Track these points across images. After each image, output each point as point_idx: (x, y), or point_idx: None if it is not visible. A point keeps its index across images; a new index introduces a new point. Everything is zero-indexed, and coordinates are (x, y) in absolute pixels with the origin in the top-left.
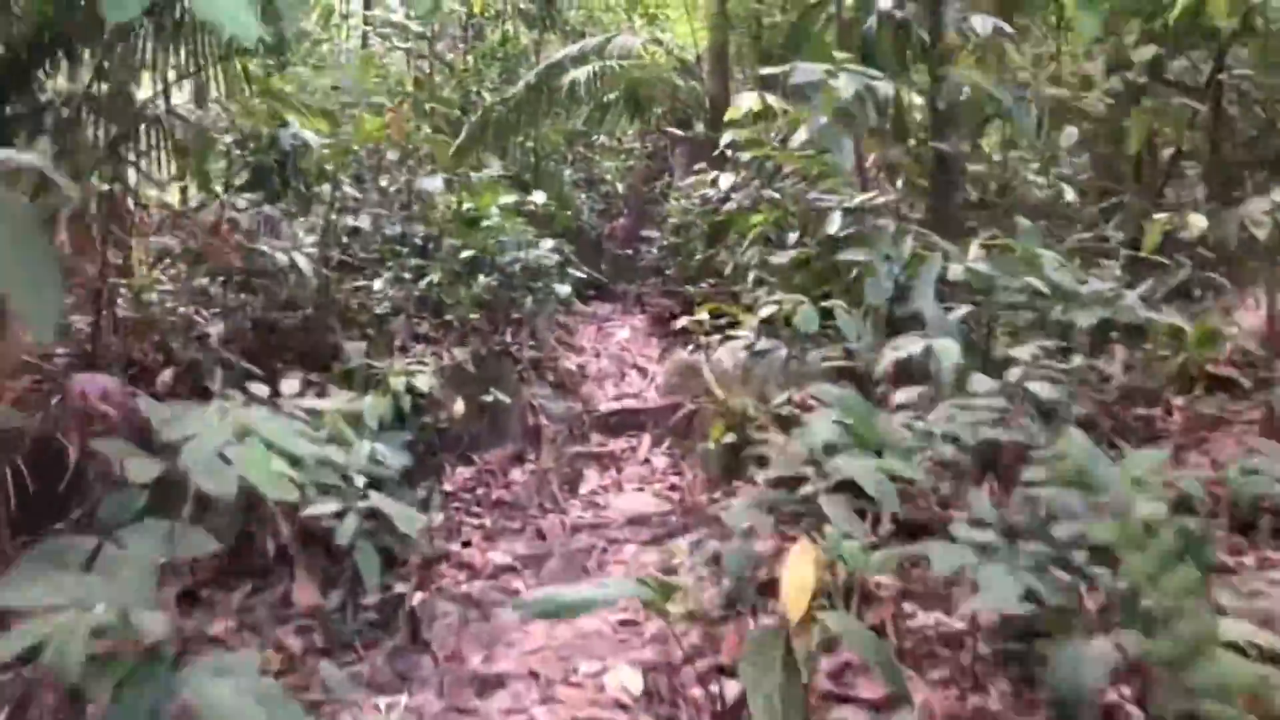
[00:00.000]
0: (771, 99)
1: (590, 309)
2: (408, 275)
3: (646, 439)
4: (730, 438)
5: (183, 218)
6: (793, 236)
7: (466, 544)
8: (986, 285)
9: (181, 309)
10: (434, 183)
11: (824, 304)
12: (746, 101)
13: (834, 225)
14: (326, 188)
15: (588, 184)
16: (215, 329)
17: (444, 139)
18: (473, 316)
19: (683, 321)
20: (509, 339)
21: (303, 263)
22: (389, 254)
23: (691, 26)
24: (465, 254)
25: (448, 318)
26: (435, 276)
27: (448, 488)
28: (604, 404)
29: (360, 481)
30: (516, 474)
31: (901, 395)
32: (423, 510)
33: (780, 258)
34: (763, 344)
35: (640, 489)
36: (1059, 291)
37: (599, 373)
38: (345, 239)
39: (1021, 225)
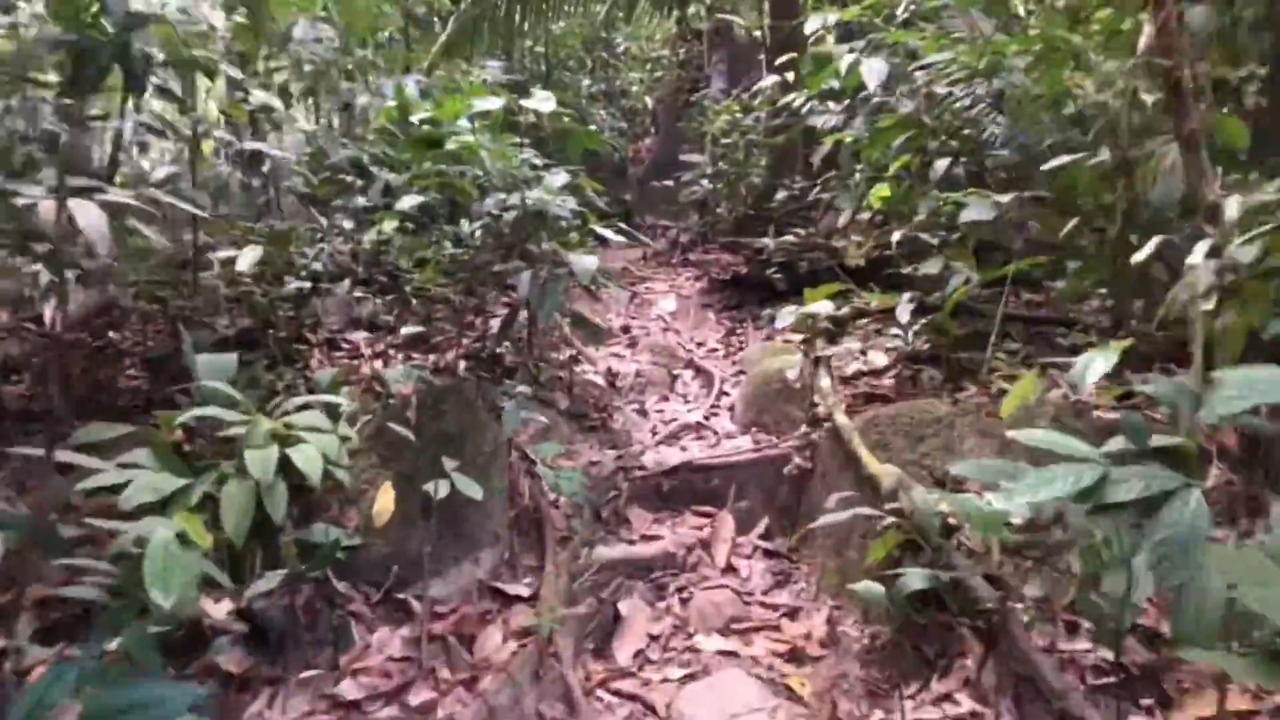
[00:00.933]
0: None
1: (614, 259)
2: (349, 225)
3: (727, 522)
4: (919, 580)
5: None
6: (940, 165)
7: None
8: None
9: None
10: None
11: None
12: None
13: None
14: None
15: (607, 97)
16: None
17: None
18: (438, 295)
19: (786, 317)
20: (491, 334)
21: (92, 220)
22: (328, 193)
23: None
24: (411, 200)
25: (408, 288)
26: (385, 229)
27: (348, 691)
28: (650, 452)
29: None
30: (493, 637)
31: None
32: None
33: (975, 211)
34: (1140, 476)
35: (729, 651)
36: None
37: (637, 379)
38: (242, 173)
39: None
